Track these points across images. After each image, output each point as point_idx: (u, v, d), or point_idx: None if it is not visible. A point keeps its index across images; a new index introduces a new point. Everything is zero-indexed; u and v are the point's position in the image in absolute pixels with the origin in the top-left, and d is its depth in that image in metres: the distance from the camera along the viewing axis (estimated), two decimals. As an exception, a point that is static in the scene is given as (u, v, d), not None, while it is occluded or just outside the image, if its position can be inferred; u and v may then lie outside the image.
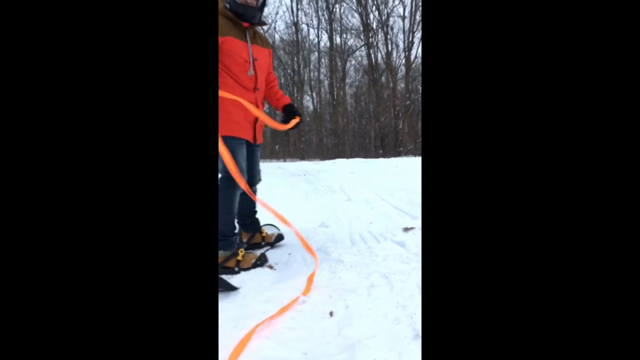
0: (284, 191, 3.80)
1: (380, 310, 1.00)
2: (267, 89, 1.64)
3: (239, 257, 1.42)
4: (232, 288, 1.20)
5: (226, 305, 1.09)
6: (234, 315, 1.03)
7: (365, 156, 12.25)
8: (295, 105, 1.67)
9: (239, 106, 1.43)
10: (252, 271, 1.38)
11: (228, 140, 1.42)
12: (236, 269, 1.40)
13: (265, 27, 16.05)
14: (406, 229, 1.86)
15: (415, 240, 1.66)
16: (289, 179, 5.15)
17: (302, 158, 15.05)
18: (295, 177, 5.55)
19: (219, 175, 1.47)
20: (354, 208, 2.69)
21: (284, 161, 11.55)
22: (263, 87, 1.57)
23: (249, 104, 1.39)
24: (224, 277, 1.26)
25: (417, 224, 1.94)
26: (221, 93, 1.31)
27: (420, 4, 14.94)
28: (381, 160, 7.95)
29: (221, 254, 1.42)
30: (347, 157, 10.95)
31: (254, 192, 1.75)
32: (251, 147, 1.59)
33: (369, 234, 1.88)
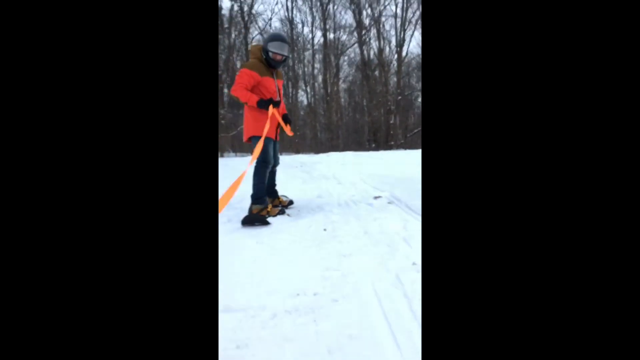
0: (285, 178, 4.74)
1: (351, 227, 1.96)
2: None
3: (269, 209, 2.36)
4: (267, 223, 2.14)
5: (265, 230, 2.04)
6: (270, 232, 1.98)
7: (358, 150, 13.19)
8: (288, 115, 2.69)
9: (269, 118, 2.37)
10: (277, 217, 2.33)
11: (265, 139, 2.37)
12: (267, 216, 2.34)
13: (261, 26, 16.58)
14: (376, 197, 2.82)
15: (380, 202, 2.62)
16: (288, 170, 6.08)
17: (297, 152, 15.94)
18: (292, 168, 6.48)
19: (256, 160, 2.41)
20: (342, 188, 3.64)
21: (281, 154, 12.42)
22: (282, 105, 2.57)
23: (279, 116, 2.35)
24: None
25: (384, 194, 2.90)
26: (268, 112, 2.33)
27: (412, 2, 15.84)
28: (371, 153, 8.91)
29: (258, 207, 2.36)
30: (341, 151, 11.85)
31: (275, 172, 2.70)
32: (274, 143, 2.54)
33: (351, 201, 2.84)
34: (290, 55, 2.22)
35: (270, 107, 2.32)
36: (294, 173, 5.57)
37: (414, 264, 1.41)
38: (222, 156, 12.46)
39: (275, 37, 2.38)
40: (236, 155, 12.80)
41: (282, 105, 2.64)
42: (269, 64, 2.42)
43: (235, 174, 3.73)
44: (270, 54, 2.37)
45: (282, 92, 2.58)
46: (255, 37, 16.34)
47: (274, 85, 2.44)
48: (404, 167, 5.21)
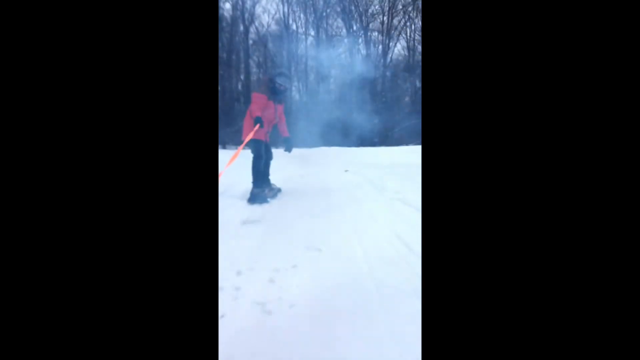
0: (287, 165, 7.16)
1: (328, 180, 4.44)
2: (280, 122, 3.58)
3: (266, 191, 3.53)
4: (266, 201, 3.35)
5: (261, 206, 4.49)
6: (269, 206, 4.41)
7: (345, 145, 15.56)
8: (291, 139, 3.73)
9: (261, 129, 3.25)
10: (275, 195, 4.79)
11: (255, 141, 3.37)
12: (267, 198, 3.45)
13: (260, 31, 18.80)
14: (345, 171, 5.31)
15: (346, 173, 5.10)
16: (290, 159, 8.53)
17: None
18: (293, 157, 8.91)
19: (252, 154, 3.39)
20: (327, 169, 6.11)
21: (276, 148, 14.76)
22: (275, 120, 3.54)
23: (255, 129, 3.08)
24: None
25: (351, 169, 5.38)
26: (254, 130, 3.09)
27: (398, 12, 18.39)
28: (354, 148, 11.36)
29: (257, 190, 3.37)
30: (329, 146, 14.26)
31: (269, 165, 3.68)
32: (265, 144, 3.51)
33: (331, 173, 5.32)
34: (290, 86, 3.89)
35: (257, 125, 3.13)
36: (295, 161, 8.01)
37: (346, 171, 3.90)
38: (224, 148, 14.75)
39: (282, 73, 3.46)
40: (237, 148, 15.08)
41: (284, 121, 3.66)
42: (273, 92, 3.39)
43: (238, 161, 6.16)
44: (276, 84, 3.37)
45: (279, 112, 3.54)
46: (255, 42, 18.59)
47: (272, 108, 3.43)
48: (373, 157, 7.71)
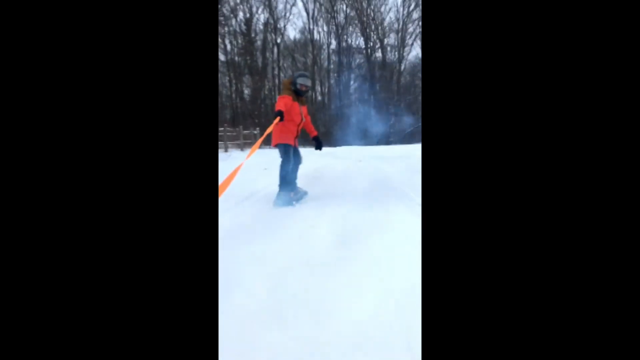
0: (317, 159, 9.68)
1: (347, 165, 6.96)
2: (306, 123, 3.62)
3: (291, 195, 3.40)
4: (292, 204, 3.21)
5: (290, 208, 5.13)
6: (294, 208, 6.57)
7: (364, 144, 17.90)
8: (319, 137, 3.80)
9: (290, 130, 3.40)
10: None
11: (284, 145, 3.41)
12: (293, 201, 3.36)
13: (288, 42, 21.36)
14: (359, 160, 7.80)
15: (360, 163, 7.59)
16: (320, 157, 11.08)
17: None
18: (323, 156, 11.45)
19: (281, 158, 3.42)
20: (347, 161, 8.58)
21: (303, 147, 17.38)
22: (302, 122, 3.58)
23: (276, 121, 3.12)
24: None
25: (365, 160, 7.86)
26: (279, 125, 3.25)
27: (414, 19, 20.66)
28: (370, 147, 13.79)
29: (283, 192, 3.32)
30: (349, 145, 16.71)
31: (297, 169, 3.59)
32: (293, 148, 3.51)
33: (348, 161, 7.79)
34: (310, 86, 3.80)
35: (277, 118, 3.17)
36: (325, 157, 10.55)
37: (360, 161, 6.47)
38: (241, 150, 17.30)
39: (302, 74, 3.55)
40: (242, 151, 17.74)
41: (309, 121, 3.70)
42: (297, 93, 3.48)
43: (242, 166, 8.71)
44: (298, 85, 3.45)
45: (305, 113, 3.61)
46: (283, 53, 21.29)
47: (298, 109, 3.52)
48: (383, 152, 10.17)
